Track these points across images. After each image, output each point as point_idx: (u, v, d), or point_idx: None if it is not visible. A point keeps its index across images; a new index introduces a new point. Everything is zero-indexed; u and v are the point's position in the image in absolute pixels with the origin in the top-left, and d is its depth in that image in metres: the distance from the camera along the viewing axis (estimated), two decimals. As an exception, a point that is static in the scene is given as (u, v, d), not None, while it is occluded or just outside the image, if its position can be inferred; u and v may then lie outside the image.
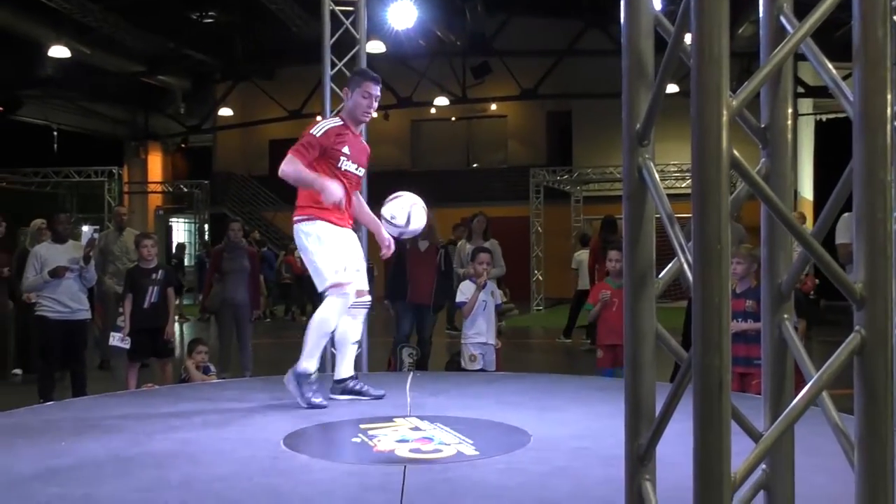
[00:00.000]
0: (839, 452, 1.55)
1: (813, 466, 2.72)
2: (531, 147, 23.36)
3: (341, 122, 4.54)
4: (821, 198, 17.87)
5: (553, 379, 5.79)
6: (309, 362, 4.38)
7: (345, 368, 4.59)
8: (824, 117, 19.05)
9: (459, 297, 6.47)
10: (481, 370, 6.27)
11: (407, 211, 4.63)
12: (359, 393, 4.55)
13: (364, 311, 4.70)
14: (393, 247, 4.77)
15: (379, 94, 4.58)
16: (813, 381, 1.41)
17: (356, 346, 4.67)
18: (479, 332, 6.35)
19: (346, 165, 4.47)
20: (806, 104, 19.08)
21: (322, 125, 4.48)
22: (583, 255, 11.84)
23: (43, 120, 21.33)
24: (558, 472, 3.09)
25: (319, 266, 4.35)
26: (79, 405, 4.85)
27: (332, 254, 4.35)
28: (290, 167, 4.31)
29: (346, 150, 4.46)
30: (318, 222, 4.38)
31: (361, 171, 4.60)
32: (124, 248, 8.83)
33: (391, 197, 4.73)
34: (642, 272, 1.60)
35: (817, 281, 14.02)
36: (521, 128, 23.78)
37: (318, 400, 4.34)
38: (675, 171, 17.96)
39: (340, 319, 4.43)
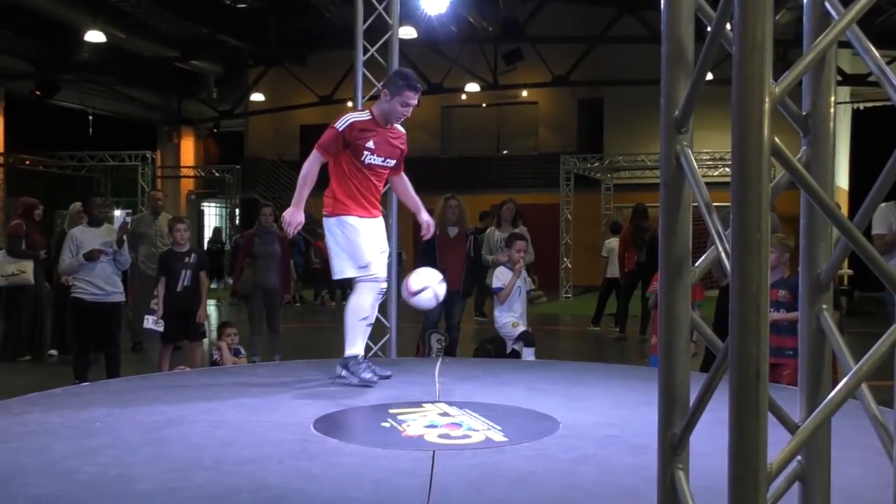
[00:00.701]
0: (874, 445, 1.53)
1: (848, 459, 2.70)
2: (562, 134, 23.23)
3: (369, 118, 4.62)
4: (857, 187, 17.59)
5: (582, 366, 5.78)
6: (353, 348, 4.55)
7: (352, 347, 4.65)
8: (861, 106, 18.74)
9: (496, 283, 6.49)
10: (528, 335, 6.39)
11: (425, 285, 4.79)
12: (351, 374, 4.57)
13: (381, 297, 4.80)
14: (433, 229, 4.91)
15: (416, 102, 4.67)
16: (852, 372, 1.39)
17: (368, 328, 4.74)
18: (521, 314, 6.48)
19: (371, 159, 4.58)
20: (843, 92, 18.77)
21: (347, 118, 4.57)
22: (613, 243, 11.78)
23: (79, 104, 21.58)
24: (586, 460, 3.09)
25: (347, 259, 4.52)
26: (113, 386, 4.92)
27: (359, 249, 4.50)
28: (306, 166, 4.53)
29: (370, 144, 4.55)
30: (344, 218, 4.54)
31: (391, 163, 4.70)
32: (159, 232, 8.93)
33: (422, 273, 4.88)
34: (678, 260, 1.58)
35: (850, 272, 13.83)
36: (552, 115, 23.65)
37: (368, 375, 4.50)
38: (708, 160, 17.78)
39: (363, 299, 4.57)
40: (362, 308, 4.55)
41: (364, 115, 4.63)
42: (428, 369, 5.08)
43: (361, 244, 4.52)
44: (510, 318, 6.45)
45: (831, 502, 1.58)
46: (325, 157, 4.54)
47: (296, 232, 4.65)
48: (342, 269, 4.56)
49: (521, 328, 6.44)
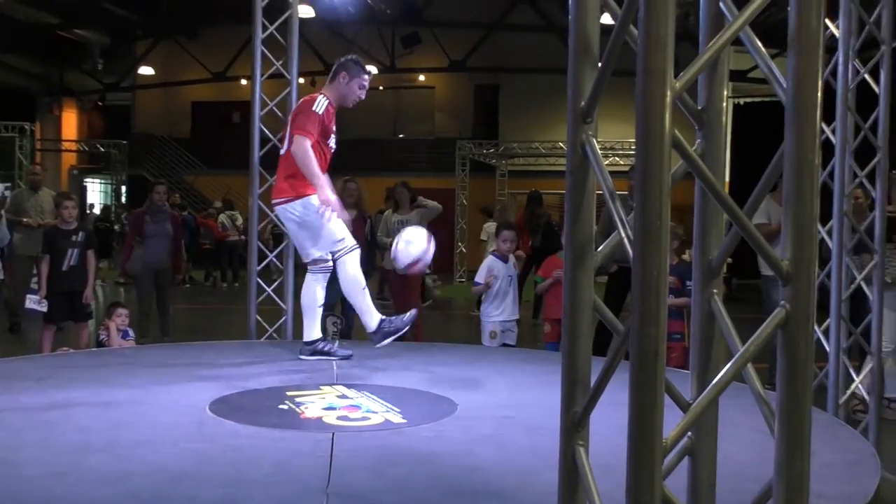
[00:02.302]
0: (751, 423, 1.64)
1: (730, 435, 2.86)
2: (458, 119, 23.39)
3: (328, 101, 4.69)
4: (737, 179, 18.40)
5: (478, 350, 5.87)
6: (313, 332, 4.73)
7: (315, 331, 4.79)
8: (742, 101, 19.59)
9: (478, 278, 6.26)
10: (503, 345, 6.09)
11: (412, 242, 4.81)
12: (328, 354, 4.74)
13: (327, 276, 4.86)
14: (330, 207, 4.84)
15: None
16: (740, 353, 1.49)
17: (321, 310, 4.85)
18: (506, 310, 6.15)
19: (332, 142, 4.75)
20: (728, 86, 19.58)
21: (321, 102, 4.63)
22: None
23: (-53, 71, 20.30)
24: (484, 441, 3.17)
25: (330, 235, 4.61)
26: (-7, 368, 4.70)
27: (336, 223, 4.60)
28: (303, 151, 4.51)
29: (333, 127, 4.71)
30: (309, 199, 4.60)
31: (335, 143, 4.85)
32: (38, 209, 8.53)
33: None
34: (582, 245, 1.65)
35: (729, 260, 14.50)
36: (449, 100, 23.77)
37: (346, 351, 4.81)
38: (600, 149, 18.21)
39: (315, 286, 4.74)
40: (359, 278, 4.64)
41: (326, 99, 4.69)
42: (325, 351, 5.06)
43: (333, 221, 4.59)
44: (490, 326, 6.14)
45: (717, 474, 1.69)
46: (310, 139, 4.55)
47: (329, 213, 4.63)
48: (311, 249, 4.69)
49: (497, 342, 6.09)
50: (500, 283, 6.16)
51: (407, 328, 4.69)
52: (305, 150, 4.50)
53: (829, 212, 4.68)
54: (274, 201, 4.77)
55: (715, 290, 1.69)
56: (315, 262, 4.75)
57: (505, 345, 6.12)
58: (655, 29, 1.42)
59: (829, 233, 4.76)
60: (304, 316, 4.78)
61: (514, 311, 6.25)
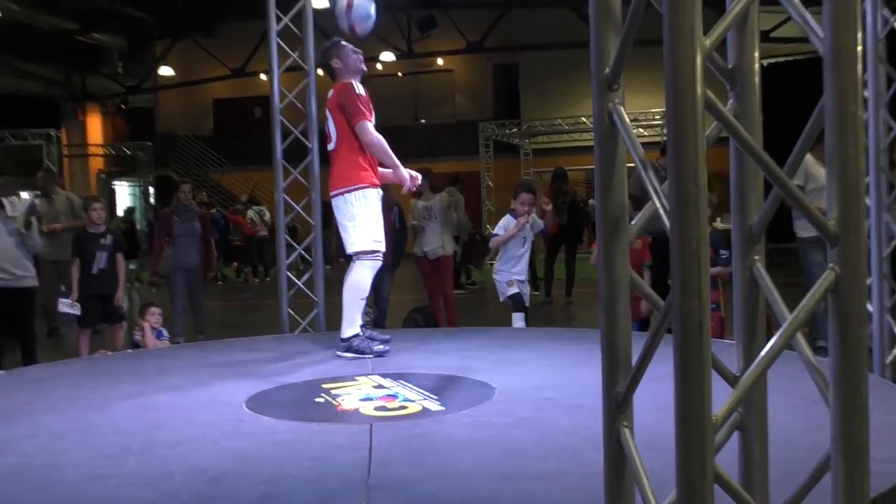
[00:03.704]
0: (799, 390, 1.57)
1: (778, 405, 2.78)
2: (479, 101, 23.24)
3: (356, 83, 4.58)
4: (767, 143, 18.06)
5: (511, 332, 5.82)
6: (353, 328, 4.51)
7: (353, 326, 4.57)
8: (766, 62, 19.24)
9: (496, 230, 6.35)
10: (517, 296, 6.15)
11: None
12: (361, 352, 4.51)
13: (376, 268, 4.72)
14: (411, 184, 4.78)
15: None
16: (788, 321, 1.42)
17: (363, 302, 4.66)
18: (522, 271, 6.23)
19: (373, 122, 4.60)
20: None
21: (356, 86, 4.53)
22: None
23: (-27, 83, 20.51)
24: (524, 423, 3.11)
25: (359, 233, 4.48)
26: (32, 374, 4.73)
27: (372, 223, 4.50)
28: (374, 138, 4.45)
29: (370, 107, 4.59)
30: (367, 190, 4.50)
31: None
32: (54, 214, 8.49)
33: None
34: (615, 218, 1.58)
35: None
36: (468, 82, 23.62)
37: (379, 347, 4.53)
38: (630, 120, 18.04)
39: (360, 277, 4.54)
40: (363, 286, 4.52)
41: (355, 82, 4.59)
42: (358, 341, 5.03)
43: (376, 218, 4.53)
44: (507, 277, 6.19)
45: (768, 447, 1.62)
46: (370, 119, 4.49)
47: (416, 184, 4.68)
48: (358, 241, 4.50)
49: (514, 289, 6.15)
50: (513, 242, 6.19)
51: (371, 356, 4.46)
52: (373, 135, 4.45)
53: (865, 167, 4.55)
54: (331, 194, 4.63)
55: (757, 257, 1.61)
56: (361, 253, 4.54)
57: (521, 305, 6.13)
58: (681, -16, 1.34)
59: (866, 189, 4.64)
60: (343, 307, 4.54)
61: (524, 273, 6.29)
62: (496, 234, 6.30)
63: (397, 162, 4.54)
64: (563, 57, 19.21)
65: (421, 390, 3.65)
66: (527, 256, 6.32)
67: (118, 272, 6.69)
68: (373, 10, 4.65)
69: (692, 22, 1.35)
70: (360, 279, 4.52)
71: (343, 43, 4.67)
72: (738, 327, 1.61)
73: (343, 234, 4.57)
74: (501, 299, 6.27)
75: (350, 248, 4.54)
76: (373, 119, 4.58)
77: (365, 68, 4.72)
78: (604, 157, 1.60)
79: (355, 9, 4.63)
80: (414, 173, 4.64)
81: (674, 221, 1.32)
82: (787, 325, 1.40)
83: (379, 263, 4.58)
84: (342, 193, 4.51)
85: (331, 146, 4.64)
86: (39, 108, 22.21)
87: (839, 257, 1.36)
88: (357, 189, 4.49)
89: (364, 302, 4.59)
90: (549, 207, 6.39)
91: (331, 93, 4.66)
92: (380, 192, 4.63)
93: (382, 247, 4.56)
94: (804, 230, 6.12)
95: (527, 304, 6.25)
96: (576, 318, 9.64)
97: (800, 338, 1.45)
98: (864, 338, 1.37)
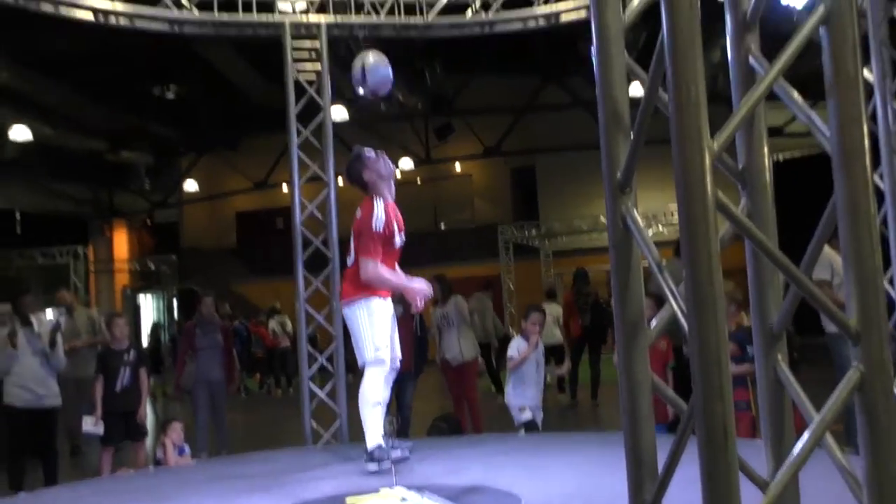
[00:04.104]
0: (832, 489, 1.50)
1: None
2: (497, 204, 23.50)
3: (383, 201, 4.55)
4: (784, 238, 18.04)
5: (536, 437, 5.71)
6: (374, 438, 4.40)
7: (374, 436, 4.42)
8: (780, 156, 19.40)
9: (510, 352, 6.30)
10: (531, 423, 6.04)
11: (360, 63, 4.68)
12: (383, 461, 4.37)
13: (394, 375, 4.68)
14: (422, 304, 4.79)
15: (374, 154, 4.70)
16: (816, 421, 1.38)
17: (378, 409, 4.51)
18: (527, 394, 6.14)
19: (399, 239, 4.60)
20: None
21: (378, 217, 4.48)
22: (551, 308, 11.78)
23: (5, 203, 21.08)
24: (553, 533, 3.01)
25: (364, 342, 4.47)
26: (53, 495, 4.68)
27: (377, 332, 4.47)
28: (373, 273, 4.42)
29: (395, 227, 4.55)
30: (372, 300, 4.49)
31: (403, 236, 4.69)
32: (74, 331, 8.55)
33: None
34: (633, 321, 1.57)
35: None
36: (487, 186, 23.96)
37: (398, 454, 4.43)
38: (641, 219, 18.12)
39: (371, 383, 4.45)
40: (374, 394, 4.44)
41: (380, 203, 4.54)
42: (382, 451, 4.94)
43: (381, 327, 4.49)
44: (520, 401, 6.13)
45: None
46: (377, 258, 4.45)
47: (423, 302, 4.67)
48: (363, 351, 4.48)
49: (528, 415, 6.08)
50: (526, 366, 6.08)
51: (392, 465, 4.35)
52: (375, 273, 4.42)
53: (881, 262, 4.51)
54: (341, 302, 4.67)
55: (780, 356, 1.58)
56: (373, 361, 4.48)
57: (533, 422, 5.99)
58: (686, 90, 1.37)
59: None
60: (362, 418, 4.46)
61: (537, 398, 6.19)
62: (511, 358, 6.24)
63: (404, 284, 4.55)
64: (579, 158, 19.50)
65: (446, 501, 3.56)
66: (541, 381, 6.25)
67: (141, 388, 6.67)
68: (388, 69, 4.71)
69: (699, 125, 1.37)
70: (367, 387, 4.45)
71: (367, 154, 4.65)
72: (765, 429, 1.57)
73: (354, 347, 4.59)
74: (516, 424, 6.17)
75: (359, 359, 4.54)
76: (401, 230, 4.58)
77: (393, 167, 4.72)
78: (619, 261, 1.60)
79: (371, 73, 4.70)
80: (424, 289, 4.60)
81: (692, 324, 1.30)
82: (815, 427, 1.36)
83: (385, 369, 4.49)
84: (347, 305, 4.56)
85: (349, 260, 4.66)
86: (68, 226, 22.72)
87: (863, 355, 1.34)
88: (360, 300, 4.49)
89: (379, 408, 4.47)
90: (536, 330, 6.34)
91: (359, 212, 4.61)
92: (387, 301, 4.60)
93: (386, 354, 4.48)
94: (831, 324, 6.02)
95: (539, 428, 6.14)
96: (603, 421, 9.46)
97: (829, 438, 1.40)
98: (895, 434, 1.33)
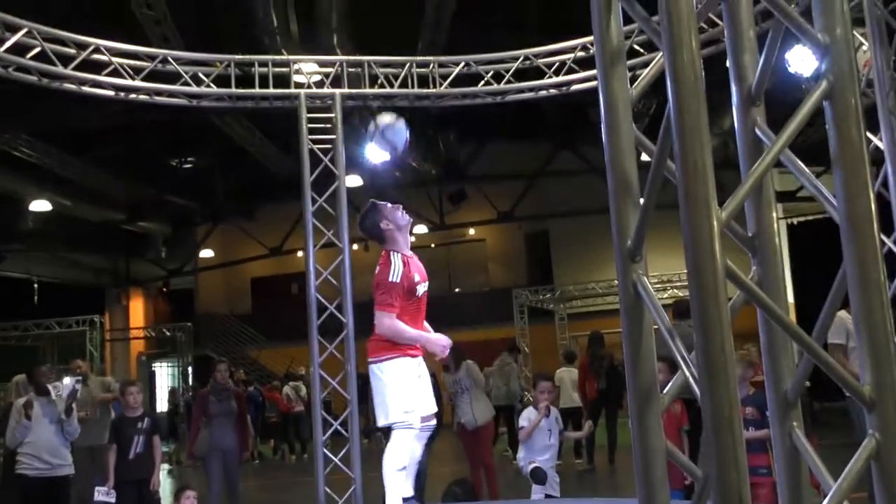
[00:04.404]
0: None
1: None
2: (511, 268, 23.56)
3: (400, 253, 4.47)
4: (802, 301, 18.00)
5: (552, 502, 5.62)
6: (396, 502, 4.26)
7: (394, 501, 4.32)
8: (795, 220, 19.43)
9: (521, 422, 6.27)
10: (539, 471, 5.94)
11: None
12: None
13: (428, 433, 4.59)
14: (445, 355, 4.64)
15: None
16: (833, 490, 1.37)
17: (403, 474, 4.40)
18: (548, 461, 6.07)
19: (421, 289, 4.46)
20: (776, 209, 19.50)
21: (395, 267, 4.38)
22: (563, 373, 11.72)
23: (24, 273, 21.32)
24: None
25: (390, 403, 4.28)
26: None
27: (405, 393, 4.30)
28: (387, 327, 4.29)
29: (416, 277, 4.44)
30: (399, 360, 4.33)
31: (426, 286, 4.58)
32: (89, 399, 8.55)
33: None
34: (646, 387, 1.58)
35: (807, 384, 13.93)
36: (501, 250, 24.05)
37: None
38: (657, 283, 18.12)
39: (397, 448, 4.31)
40: (400, 458, 4.29)
41: (397, 256, 4.44)
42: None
43: (410, 388, 4.33)
44: (529, 460, 6.06)
45: None
46: (393, 312, 4.32)
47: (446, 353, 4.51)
48: (389, 412, 4.29)
49: (535, 464, 6.01)
50: (537, 434, 6.06)
51: None
52: (390, 327, 4.28)
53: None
54: (368, 360, 4.48)
55: (795, 423, 1.58)
56: (402, 424, 4.30)
57: (542, 479, 5.92)
58: (693, 160, 1.41)
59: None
60: (385, 481, 4.31)
61: (549, 463, 6.11)
62: (521, 427, 6.23)
63: (423, 337, 4.41)
64: (593, 222, 19.57)
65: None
66: (555, 450, 6.19)
67: (155, 456, 6.64)
68: (403, 124, 4.75)
69: (706, 196, 1.40)
70: (394, 450, 4.29)
71: (382, 204, 4.59)
72: (783, 498, 1.56)
73: (375, 405, 4.40)
74: (524, 473, 6.09)
75: (380, 420, 4.37)
76: (424, 280, 4.47)
77: (409, 218, 4.62)
78: (631, 328, 1.62)
79: (386, 132, 4.74)
80: (444, 341, 4.46)
81: (704, 392, 1.31)
82: (833, 495, 1.35)
83: (414, 431, 4.33)
84: (375, 363, 4.38)
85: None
86: (85, 295, 22.93)
87: (878, 423, 1.34)
88: (387, 359, 4.34)
89: (404, 473, 4.33)
90: (545, 398, 6.33)
91: (377, 268, 4.51)
92: (418, 360, 4.46)
93: (416, 418, 4.32)
94: (850, 387, 5.96)
95: (553, 492, 6.03)
96: (620, 486, 9.30)
97: (848, 507, 1.39)
98: (915, 506, 1.32)
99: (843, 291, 1.48)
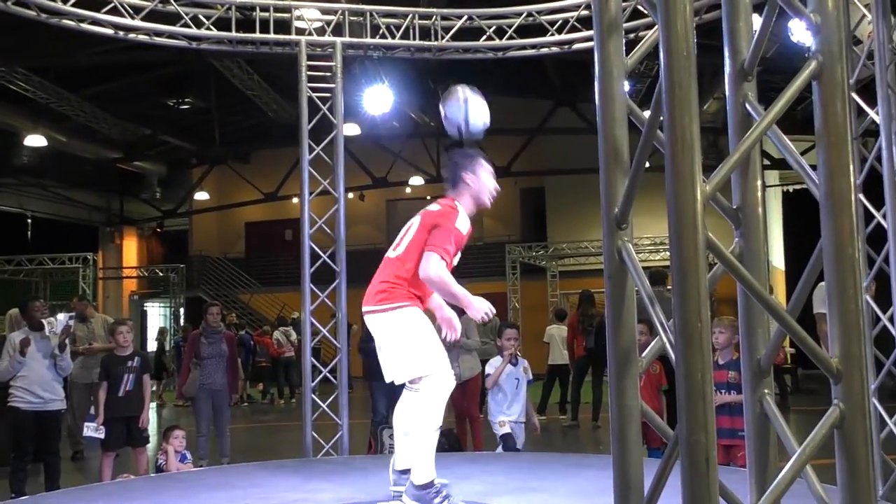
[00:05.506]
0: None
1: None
2: (506, 223, 23.60)
3: (465, 213, 3.93)
4: (793, 267, 18.14)
5: (536, 457, 5.75)
6: (426, 471, 3.67)
7: (426, 470, 3.70)
8: (791, 188, 19.48)
9: (487, 369, 6.39)
10: (510, 439, 6.04)
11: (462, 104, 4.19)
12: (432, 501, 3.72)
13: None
14: (459, 331, 4.10)
15: None
16: (795, 455, 1.44)
17: (437, 435, 3.79)
18: (516, 412, 6.16)
19: (456, 260, 3.88)
20: (772, 176, 19.57)
21: (463, 219, 3.85)
22: (553, 330, 11.85)
23: (17, 208, 21.29)
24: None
25: (416, 354, 3.70)
26: (54, 500, 4.74)
27: (433, 342, 3.75)
28: (438, 274, 3.65)
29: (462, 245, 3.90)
30: (412, 308, 3.76)
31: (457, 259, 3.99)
32: (91, 336, 8.66)
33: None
34: (625, 350, 1.63)
35: (792, 351, 14.14)
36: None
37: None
38: (649, 245, 18.20)
39: (418, 407, 3.69)
40: (436, 417, 3.67)
41: (464, 212, 3.91)
42: (382, 467, 5.00)
43: (436, 338, 3.78)
44: (499, 415, 6.16)
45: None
46: (447, 261, 3.70)
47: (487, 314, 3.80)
48: (416, 364, 3.69)
49: (506, 429, 6.06)
50: (505, 382, 6.17)
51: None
52: (438, 272, 3.64)
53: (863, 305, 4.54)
54: (364, 309, 3.82)
55: (766, 391, 1.65)
56: (436, 377, 3.69)
57: (512, 448, 6.04)
58: (681, 133, 1.44)
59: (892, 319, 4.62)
60: (413, 445, 3.71)
61: (520, 414, 6.22)
62: (487, 375, 6.33)
63: (468, 297, 3.75)
64: (589, 181, 19.56)
65: (443, 519, 3.60)
66: (521, 399, 6.25)
67: (144, 394, 6.75)
68: (486, 112, 4.26)
69: (692, 168, 1.44)
70: (427, 407, 3.66)
71: (485, 161, 4.11)
72: (750, 460, 1.63)
73: (387, 359, 3.80)
74: (497, 439, 6.23)
75: (402, 375, 3.74)
76: (454, 261, 3.83)
77: (493, 192, 4.10)
78: (614, 292, 1.67)
79: (472, 123, 4.21)
80: (488, 307, 3.81)
81: (679, 357, 1.37)
82: (796, 459, 1.42)
83: (451, 384, 3.76)
84: (387, 310, 3.75)
85: (392, 253, 3.90)
86: (78, 232, 22.93)
87: (843, 394, 1.40)
88: (407, 306, 3.76)
89: (437, 434, 3.73)
90: (510, 345, 6.35)
91: (436, 206, 3.98)
92: (420, 311, 3.85)
93: (449, 369, 3.77)
94: (832, 356, 6.05)
95: (519, 446, 6.16)
96: (603, 443, 9.48)
97: (808, 471, 1.46)
98: (871, 471, 1.39)
99: (819, 265, 1.53)
